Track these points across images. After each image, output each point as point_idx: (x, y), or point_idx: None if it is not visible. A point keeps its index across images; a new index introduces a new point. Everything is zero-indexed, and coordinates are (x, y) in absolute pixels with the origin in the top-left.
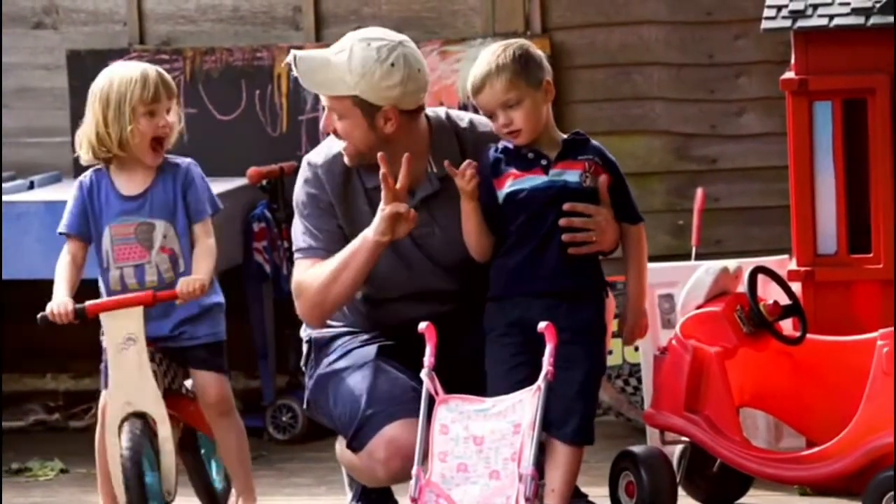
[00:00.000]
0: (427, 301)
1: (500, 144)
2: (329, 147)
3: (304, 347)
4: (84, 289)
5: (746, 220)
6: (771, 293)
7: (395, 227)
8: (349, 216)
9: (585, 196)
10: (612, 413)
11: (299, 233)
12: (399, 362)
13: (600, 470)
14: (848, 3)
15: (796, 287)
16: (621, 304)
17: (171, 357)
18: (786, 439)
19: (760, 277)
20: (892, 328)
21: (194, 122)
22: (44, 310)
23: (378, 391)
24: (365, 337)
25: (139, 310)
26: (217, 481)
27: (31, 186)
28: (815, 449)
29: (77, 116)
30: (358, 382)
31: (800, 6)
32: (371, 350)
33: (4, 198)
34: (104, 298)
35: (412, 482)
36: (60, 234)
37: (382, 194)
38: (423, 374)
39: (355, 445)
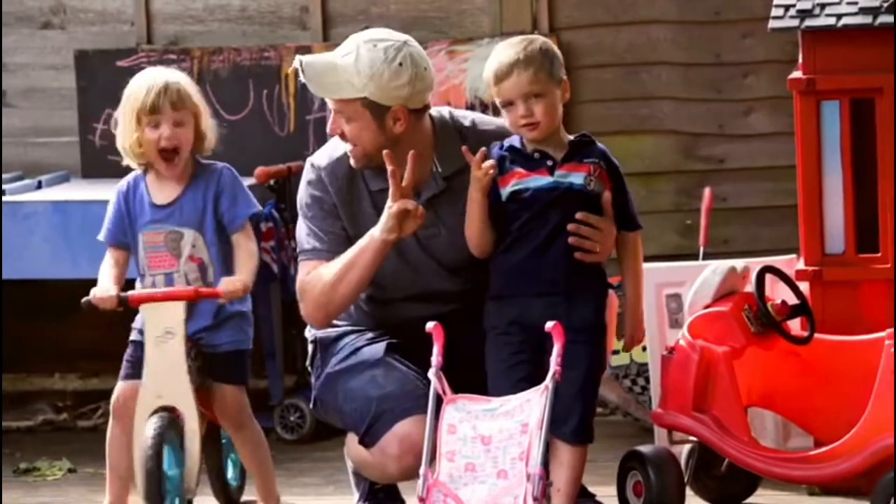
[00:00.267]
0: (431, 301)
1: (506, 142)
2: (333, 149)
3: (310, 347)
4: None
5: (754, 220)
6: (779, 293)
7: (403, 225)
8: (353, 218)
9: (589, 199)
10: (620, 413)
11: (303, 235)
12: (404, 362)
13: (608, 469)
14: (856, 3)
15: (804, 287)
16: (623, 304)
17: (204, 355)
18: (794, 439)
19: (768, 277)
20: None
21: None
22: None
23: (390, 388)
24: (371, 335)
25: (181, 304)
26: (232, 478)
27: (39, 186)
28: (823, 449)
29: (85, 116)
30: (369, 379)
31: (808, 5)
32: (379, 347)
33: (12, 198)
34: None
35: (420, 482)
36: (100, 241)
37: (390, 192)
38: (431, 374)
39: (367, 441)
